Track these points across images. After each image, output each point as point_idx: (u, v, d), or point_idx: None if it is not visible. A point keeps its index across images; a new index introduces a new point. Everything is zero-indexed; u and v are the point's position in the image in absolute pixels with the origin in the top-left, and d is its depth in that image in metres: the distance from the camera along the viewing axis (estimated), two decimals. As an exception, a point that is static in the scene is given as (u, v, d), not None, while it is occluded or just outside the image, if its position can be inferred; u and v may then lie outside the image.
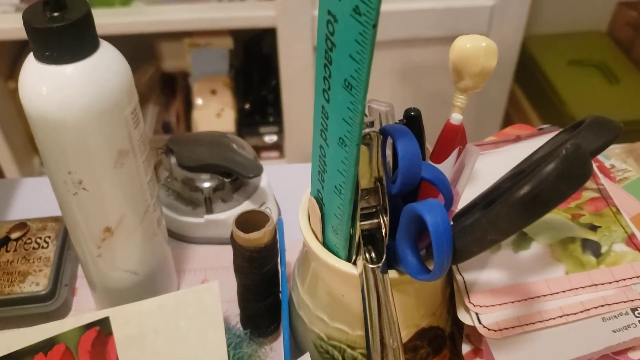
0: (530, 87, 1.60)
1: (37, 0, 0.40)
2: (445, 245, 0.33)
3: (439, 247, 0.33)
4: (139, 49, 1.61)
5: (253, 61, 1.60)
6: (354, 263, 0.40)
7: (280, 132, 1.54)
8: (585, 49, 1.60)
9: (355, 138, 0.33)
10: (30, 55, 0.41)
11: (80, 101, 0.40)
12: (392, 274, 0.39)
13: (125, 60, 0.43)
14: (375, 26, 0.28)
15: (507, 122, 1.56)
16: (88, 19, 0.40)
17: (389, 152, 0.40)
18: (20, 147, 1.47)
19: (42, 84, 0.40)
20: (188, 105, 1.57)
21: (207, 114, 1.51)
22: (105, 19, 1.32)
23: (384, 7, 1.22)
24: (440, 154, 0.42)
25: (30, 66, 0.40)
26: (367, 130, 0.36)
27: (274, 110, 1.54)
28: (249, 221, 0.47)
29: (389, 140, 0.38)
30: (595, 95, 1.48)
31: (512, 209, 0.30)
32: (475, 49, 0.39)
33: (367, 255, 0.39)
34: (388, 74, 1.44)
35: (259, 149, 1.56)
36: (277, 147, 1.56)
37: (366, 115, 0.37)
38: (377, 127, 0.38)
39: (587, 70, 1.54)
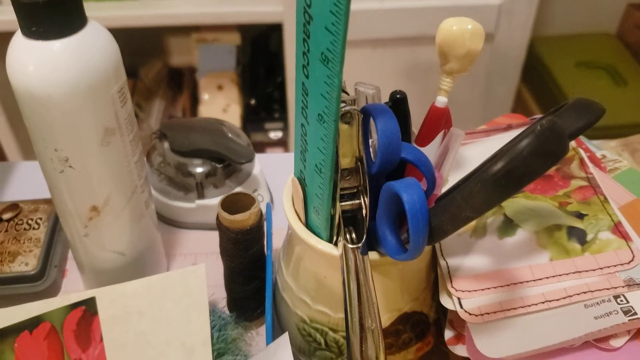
0: (538, 87, 1.59)
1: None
2: (421, 223, 0.33)
3: (414, 225, 0.33)
4: (147, 43, 1.62)
5: (260, 58, 1.61)
6: (336, 244, 0.39)
7: (285, 129, 1.54)
8: (594, 50, 1.59)
9: (333, 113, 0.33)
10: (18, 32, 0.41)
11: (66, 77, 0.40)
12: (373, 255, 0.39)
13: (112, 38, 0.43)
14: (348, -4, 0.28)
15: (514, 122, 1.55)
16: (75, -5, 0.40)
17: (375, 136, 0.40)
18: (25, 134, 1.48)
19: (28, 59, 0.40)
20: (194, 100, 1.58)
21: (213, 109, 1.51)
22: (114, 12, 1.33)
23: (391, 5, 1.22)
24: (425, 137, 0.42)
25: (17, 42, 0.41)
26: (347, 107, 0.36)
27: (280, 107, 1.54)
28: (236, 203, 0.47)
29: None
30: (603, 97, 1.47)
31: (486, 185, 0.30)
32: (461, 31, 0.39)
33: (348, 236, 0.39)
34: (394, 72, 1.44)
35: (264, 144, 1.56)
36: (282, 143, 1.56)
37: (347, 94, 0.37)
38: (359, 107, 0.38)
39: (595, 72, 1.53)
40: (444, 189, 0.39)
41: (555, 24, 1.65)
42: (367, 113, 0.37)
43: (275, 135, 1.55)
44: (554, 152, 0.29)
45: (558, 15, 1.64)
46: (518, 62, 1.45)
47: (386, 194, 0.36)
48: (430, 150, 0.42)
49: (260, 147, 1.56)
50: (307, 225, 0.41)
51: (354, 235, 0.39)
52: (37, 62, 0.40)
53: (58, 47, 0.40)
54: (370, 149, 0.40)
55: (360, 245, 0.38)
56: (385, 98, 0.42)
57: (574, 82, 1.50)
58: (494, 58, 1.42)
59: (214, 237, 0.59)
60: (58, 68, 0.40)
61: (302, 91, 0.35)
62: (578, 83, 1.50)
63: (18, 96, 0.41)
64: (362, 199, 0.39)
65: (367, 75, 1.41)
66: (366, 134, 0.39)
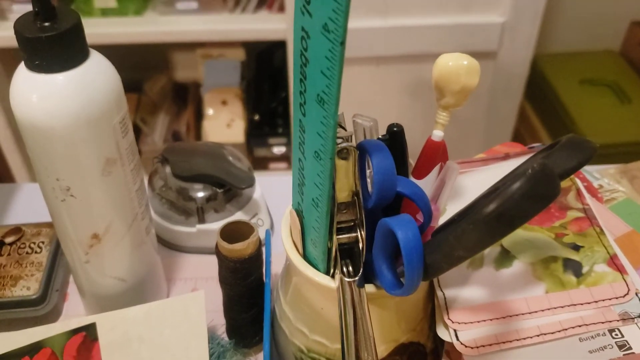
0: (541, 105, 1.59)
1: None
2: (416, 260, 0.33)
3: (409, 262, 0.33)
4: (152, 58, 1.63)
5: (264, 73, 1.62)
6: (333, 276, 0.40)
7: (289, 144, 1.54)
8: (597, 68, 1.60)
9: (329, 152, 0.33)
10: (22, 64, 0.42)
11: (69, 109, 0.41)
12: (369, 288, 0.39)
13: (115, 70, 0.44)
14: (342, 43, 0.28)
15: (517, 139, 1.56)
16: (78, 29, 0.41)
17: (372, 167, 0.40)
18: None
19: (32, 92, 0.41)
20: (199, 115, 1.59)
21: (217, 124, 1.52)
22: (118, 28, 1.34)
23: (395, 23, 1.23)
24: (421, 170, 0.42)
25: (21, 74, 0.41)
26: (343, 144, 0.36)
27: (283, 122, 1.55)
28: (235, 232, 0.47)
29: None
30: (607, 114, 1.47)
31: (477, 226, 0.30)
32: (457, 67, 0.39)
33: (345, 269, 0.39)
34: (398, 89, 1.45)
35: (268, 159, 1.57)
36: (286, 158, 1.57)
37: (345, 130, 0.38)
38: (355, 143, 0.39)
39: (598, 90, 1.54)
40: (441, 220, 0.40)
41: (558, 41, 1.66)
42: (363, 149, 0.37)
43: (278, 150, 1.56)
44: (545, 195, 0.29)
45: (561, 33, 1.65)
46: (521, 80, 1.45)
47: (382, 230, 0.36)
48: (427, 183, 0.42)
49: (264, 162, 1.56)
50: (305, 256, 0.42)
51: (350, 268, 0.39)
52: (41, 94, 0.40)
53: (61, 80, 0.40)
54: (368, 179, 0.41)
55: (356, 278, 0.39)
56: (383, 124, 0.42)
57: (578, 100, 1.50)
58: (498, 75, 1.43)
59: (214, 261, 0.59)
60: (61, 100, 0.40)
61: (299, 128, 0.36)
62: (582, 100, 1.50)
63: (21, 127, 0.42)
64: (358, 233, 0.39)
65: (370, 93, 1.42)
66: (363, 168, 0.39)
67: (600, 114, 1.47)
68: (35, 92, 0.41)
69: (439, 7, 1.34)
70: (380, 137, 0.41)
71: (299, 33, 0.32)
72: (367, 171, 0.41)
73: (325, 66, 0.30)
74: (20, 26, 0.40)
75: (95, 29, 1.30)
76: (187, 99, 1.66)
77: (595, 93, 1.53)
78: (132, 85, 1.52)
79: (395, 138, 0.41)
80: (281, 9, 1.36)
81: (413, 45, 1.38)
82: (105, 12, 1.36)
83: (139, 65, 1.56)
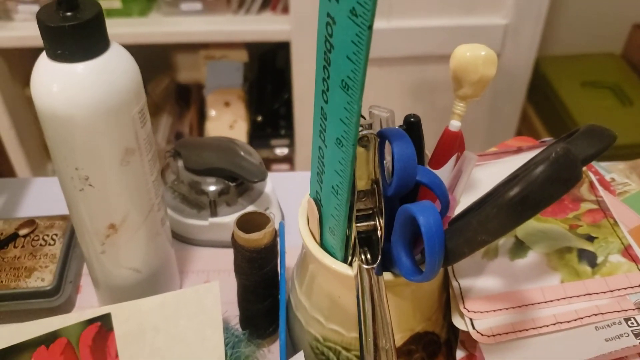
0: (543, 106, 1.60)
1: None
2: (437, 245, 0.33)
3: (430, 247, 0.33)
4: (155, 59, 1.63)
5: (267, 75, 1.62)
6: (350, 264, 0.40)
7: (291, 145, 1.55)
8: (599, 70, 1.61)
9: (352, 138, 0.34)
10: (43, 54, 0.42)
11: (90, 99, 0.41)
12: (387, 276, 0.40)
13: (134, 61, 0.44)
14: (370, 27, 0.29)
15: (519, 141, 1.56)
16: (99, 19, 0.41)
17: (389, 158, 0.41)
18: (35, 152, 1.50)
19: (53, 81, 0.41)
20: (201, 117, 1.59)
21: (219, 126, 1.53)
22: (122, 29, 1.34)
23: (398, 24, 1.23)
24: (438, 160, 0.43)
25: (43, 64, 0.42)
26: (364, 132, 0.36)
27: (286, 124, 1.55)
28: (250, 222, 0.47)
29: (390, 146, 0.39)
30: (608, 117, 1.48)
31: (501, 210, 0.31)
32: (475, 57, 0.40)
33: (363, 257, 0.39)
34: (401, 90, 1.46)
35: (270, 161, 1.57)
36: (288, 159, 1.57)
37: (364, 118, 0.38)
38: (375, 130, 0.39)
39: (600, 92, 1.55)
40: (456, 212, 0.40)
41: (561, 43, 1.67)
42: (383, 137, 0.38)
43: (281, 151, 1.57)
44: (569, 179, 0.30)
45: (564, 35, 1.66)
46: (524, 82, 1.46)
47: (402, 216, 0.36)
48: (444, 173, 0.42)
49: (266, 163, 1.56)
50: (322, 245, 0.42)
51: (368, 256, 0.40)
52: (62, 84, 0.41)
53: (82, 70, 0.41)
54: (386, 168, 0.41)
55: (375, 265, 0.39)
56: (397, 114, 0.42)
57: (580, 102, 1.51)
58: (500, 77, 1.44)
59: (226, 254, 0.60)
60: (82, 90, 0.41)
61: (320, 115, 0.36)
62: (584, 103, 1.51)
63: (41, 116, 0.42)
64: (377, 221, 0.40)
65: (374, 94, 1.42)
66: (382, 156, 0.39)
67: (602, 116, 1.47)
68: (56, 81, 0.41)
69: (442, 9, 1.35)
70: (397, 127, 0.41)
71: (324, 19, 0.32)
72: (385, 161, 0.41)
73: (352, 51, 0.30)
74: (43, 15, 0.40)
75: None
76: (189, 100, 1.66)
77: (597, 95, 1.53)
78: (135, 86, 1.52)
79: (412, 128, 0.42)
80: (285, 10, 1.37)
81: (416, 46, 1.39)
82: (110, 13, 1.36)
83: (142, 67, 1.56)
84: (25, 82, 1.43)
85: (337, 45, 0.32)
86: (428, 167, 0.42)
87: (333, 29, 0.31)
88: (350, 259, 0.40)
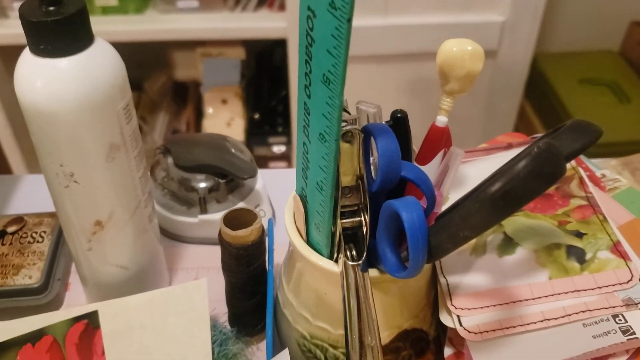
0: (541, 103, 1.60)
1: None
2: (420, 241, 0.33)
3: (414, 243, 0.33)
4: (152, 57, 1.63)
5: (264, 72, 1.62)
6: (336, 261, 0.40)
7: (288, 143, 1.55)
8: (597, 67, 1.60)
9: (334, 133, 0.33)
10: (26, 49, 0.42)
11: (73, 94, 0.41)
12: (373, 272, 0.39)
13: (119, 56, 0.44)
14: (349, 20, 0.28)
15: (516, 138, 1.56)
16: (83, 14, 0.41)
17: (376, 154, 0.40)
18: (32, 150, 1.49)
19: (36, 76, 0.41)
20: (199, 114, 1.59)
21: (217, 123, 1.53)
22: (118, 26, 1.34)
23: (395, 21, 1.23)
24: (425, 156, 0.42)
25: (26, 59, 0.41)
26: (348, 127, 0.36)
27: (283, 121, 1.55)
28: (238, 219, 0.47)
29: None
30: (606, 114, 1.47)
31: (483, 205, 0.30)
32: (461, 52, 0.39)
33: (349, 253, 0.39)
34: (397, 88, 1.45)
35: (267, 158, 1.57)
36: (285, 157, 1.57)
37: (349, 114, 0.38)
38: (360, 126, 0.39)
39: (598, 89, 1.54)
40: (444, 207, 0.40)
41: (558, 40, 1.66)
42: (368, 132, 0.37)
43: (278, 149, 1.56)
44: (551, 174, 0.29)
45: (561, 32, 1.65)
46: (521, 79, 1.46)
47: (386, 212, 0.36)
48: (431, 169, 0.42)
49: (264, 161, 1.56)
50: (308, 241, 0.42)
51: (354, 253, 0.39)
52: (45, 79, 0.40)
53: (65, 65, 0.40)
54: (372, 167, 0.41)
55: (360, 262, 0.39)
56: (386, 116, 0.42)
57: (577, 99, 1.50)
58: (497, 74, 1.43)
59: (216, 251, 0.60)
60: (65, 85, 0.40)
61: (304, 110, 0.36)
62: (581, 100, 1.50)
63: (25, 112, 0.42)
64: (362, 217, 0.39)
65: (370, 91, 1.42)
66: (367, 153, 0.39)
67: (600, 113, 1.47)
68: (40, 76, 0.41)
69: (439, 5, 1.35)
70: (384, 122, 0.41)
71: (305, 12, 0.32)
72: (371, 158, 0.41)
73: (332, 45, 0.30)
74: (25, 10, 0.40)
75: (96, 27, 1.28)
76: (187, 97, 1.66)
77: (595, 92, 1.53)
78: (132, 84, 1.51)
79: (399, 124, 0.41)
80: (282, 7, 1.36)
81: (413, 43, 1.38)
82: (106, 10, 1.36)
83: (139, 64, 1.56)
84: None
85: (318, 39, 0.31)
86: (414, 163, 0.42)
87: (314, 23, 0.31)
88: (336, 255, 0.40)
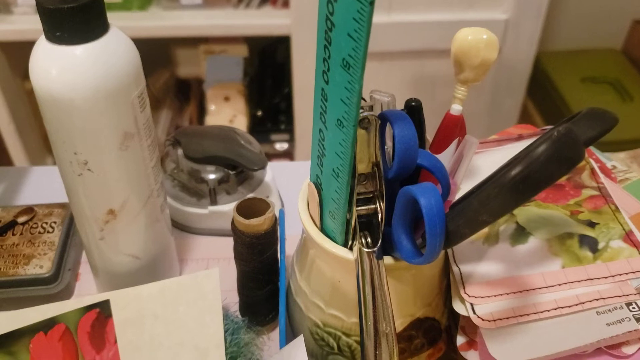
0: (543, 102, 1.60)
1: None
2: (438, 226, 0.33)
3: (431, 228, 0.33)
4: (155, 53, 1.63)
5: (267, 69, 1.62)
6: (351, 248, 0.40)
7: (291, 140, 1.55)
8: (599, 66, 1.60)
9: (353, 118, 0.33)
10: (42, 36, 0.42)
11: (88, 82, 0.41)
12: (388, 260, 0.39)
13: (134, 45, 0.44)
14: (372, 3, 0.29)
15: (519, 136, 1.56)
16: (98, 2, 0.41)
17: (390, 143, 0.40)
18: (34, 146, 1.50)
19: (51, 64, 0.41)
20: (201, 111, 1.59)
21: (219, 120, 1.53)
22: (122, 23, 1.33)
23: (399, 18, 1.23)
24: (439, 145, 0.42)
25: (41, 46, 0.41)
26: (365, 113, 0.36)
27: (286, 118, 1.55)
28: (250, 208, 0.47)
29: (391, 130, 0.39)
30: (608, 112, 1.48)
31: (503, 190, 0.30)
32: (476, 41, 0.40)
33: (363, 241, 0.39)
34: (401, 85, 1.45)
35: (270, 156, 1.57)
36: (288, 154, 1.57)
37: (365, 101, 0.38)
38: (376, 113, 0.39)
39: (600, 88, 1.54)
40: (457, 196, 0.40)
41: (561, 39, 1.66)
42: (384, 119, 0.38)
43: (281, 146, 1.56)
44: (571, 158, 0.30)
45: (564, 31, 1.65)
46: (524, 76, 1.46)
47: (403, 198, 0.36)
48: (445, 157, 0.42)
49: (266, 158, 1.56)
50: (322, 229, 0.42)
51: (369, 240, 0.39)
52: (60, 66, 0.41)
53: (81, 52, 0.41)
54: (387, 152, 0.41)
55: (375, 249, 0.39)
56: (399, 107, 0.42)
57: (580, 97, 1.51)
58: (501, 71, 1.43)
59: (226, 242, 0.60)
60: (80, 73, 0.41)
61: (321, 97, 0.36)
62: (583, 98, 1.50)
63: (40, 100, 0.42)
64: (377, 204, 0.39)
65: (374, 88, 1.42)
66: (383, 139, 0.39)
67: (602, 111, 1.47)
68: (55, 64, 0.41)
69: (443, 3, 1.35)
70: (398, 111, 0.41)
71: (325, -3, 0.32)
72: (386, 146, 0.41)
73: (353, 28, 0.30)
74: (41, -3, 0.40)
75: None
76: (189, 94, 1.66)
77: (597, 91, 1.53)
78: (135, 81, 1.52)
79: (413, 113, 0.41)
80: (285, 4, 1.36)
81: (417, 41, 1.38)
82: (110, 7, 1.36)
83: (142, 61, 1.56)
84: (25, 75, 1.42)
85: (338, 23, 0.31)
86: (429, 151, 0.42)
87: (334, 7, 0.31)
88: (350, 243, 0.40)
